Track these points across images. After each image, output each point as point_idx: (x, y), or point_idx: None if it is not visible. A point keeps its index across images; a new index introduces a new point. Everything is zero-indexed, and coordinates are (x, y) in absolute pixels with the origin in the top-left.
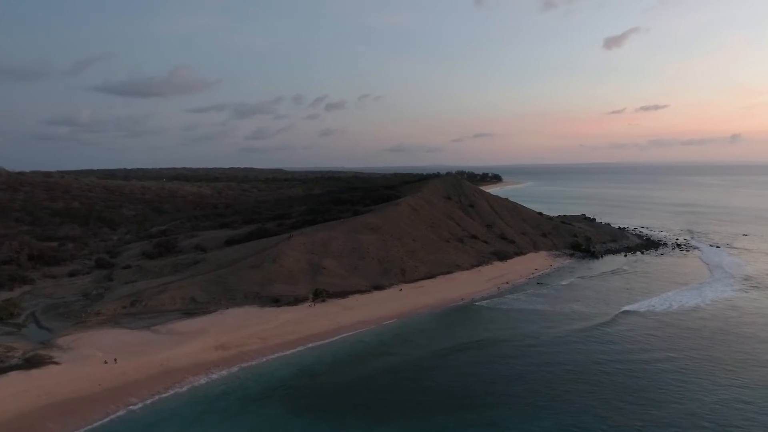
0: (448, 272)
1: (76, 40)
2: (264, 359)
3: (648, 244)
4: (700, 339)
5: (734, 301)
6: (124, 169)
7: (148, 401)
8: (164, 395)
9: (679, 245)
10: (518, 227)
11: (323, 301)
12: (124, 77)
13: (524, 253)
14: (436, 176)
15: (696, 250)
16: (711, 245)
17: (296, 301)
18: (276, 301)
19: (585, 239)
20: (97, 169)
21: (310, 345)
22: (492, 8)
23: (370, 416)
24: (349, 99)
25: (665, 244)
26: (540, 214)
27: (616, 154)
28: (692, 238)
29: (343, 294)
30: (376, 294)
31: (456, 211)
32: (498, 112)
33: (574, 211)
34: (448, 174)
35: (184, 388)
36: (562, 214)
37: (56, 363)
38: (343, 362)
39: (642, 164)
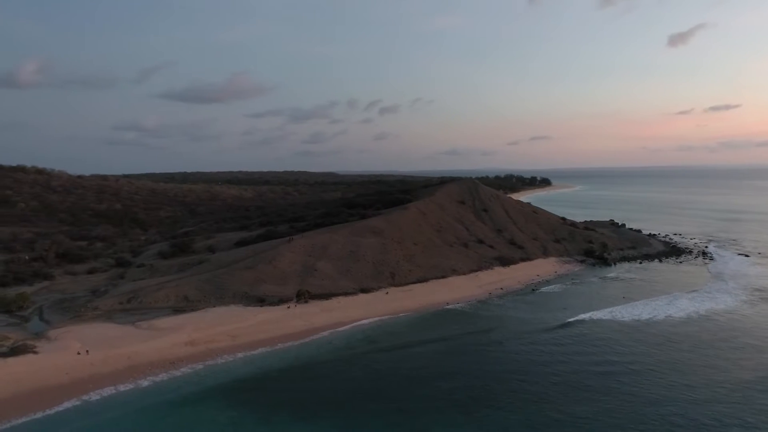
0: (443, 276)
1: (142, 50)
2: (229, 357)
3: (671, 251)
4: (652, 346)
5: (722, 311)
6: (184, 172)
7: (106, 393)
8: (122, 388)
9: (704, 253)
10: (531, 232)
11: (306, 302)
12: (187, 84)
13: (531, 259)
14: (454, 180)
15: (720, 259)
16: (740, 254)
17: (280, 301)
18: (261, 301)
19: (601, 245)
20: (159, 173)
21: (279, 345)
22: (546, 7)
23: (301, 411)
24: (403, 103)
25: (690, 252)
26: (563, 219)
27: (683, 156)
28: (723, 245)
29: (327, 296)
30: (361, 297)
31: (468, 215)
32: (556, 114)
33: (615, 216)
34: (467, 178)
35: (144, 382)
36: (588, 220)
37: (35, 353)
38: (302, 362)
39: (711, 167)
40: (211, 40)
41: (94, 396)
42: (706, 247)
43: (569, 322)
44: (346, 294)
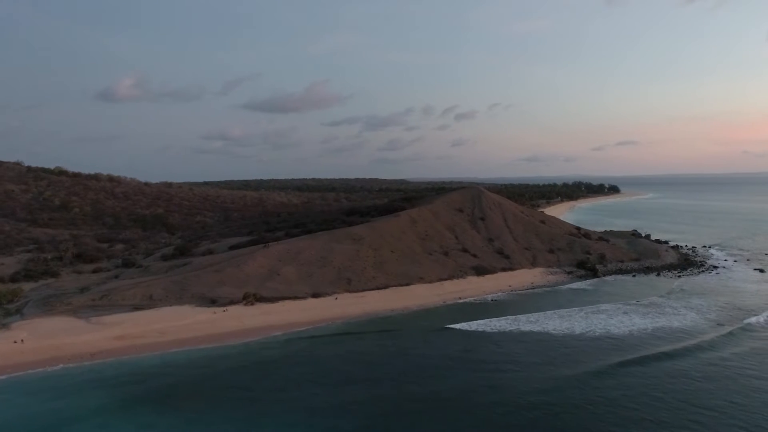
0: (407, 284)
1: (228, 63)
2: (148, 352)
3: (679, 264)
4: (538, 350)
5: (669, 329)
6: (260, 179)
7: (15, 376)
8: (31, 372)
9: (715, 267)
10: (525, 242)
11: (252, 304)
12: (268, 95)
13: (513, 269)
14: (458, 189)
15: (725, 273)
16: (756, 269)
17: (231, 303)
18: (213, 302)
19: (598, 257)
20: (237, 180)
21: (203, 345)
22: (626, 6)
23: (165, 405)
24: (480, 108)
25: (700, 265)
26: (577, 229)
27: None
28: (748, 260)
29: (276, 299)
30: (310, 301)
31: (463, 223)
32: (643, 119)
33: (662, 226)
34: (473, 186)
35: (54, 370)
36: (609, 230)
37: None
38: (207, 362)
39: None
40: (292, 53)
41: (1, 377)
42: (725, 260)
43: (479, 331)
44: (296, 298)
